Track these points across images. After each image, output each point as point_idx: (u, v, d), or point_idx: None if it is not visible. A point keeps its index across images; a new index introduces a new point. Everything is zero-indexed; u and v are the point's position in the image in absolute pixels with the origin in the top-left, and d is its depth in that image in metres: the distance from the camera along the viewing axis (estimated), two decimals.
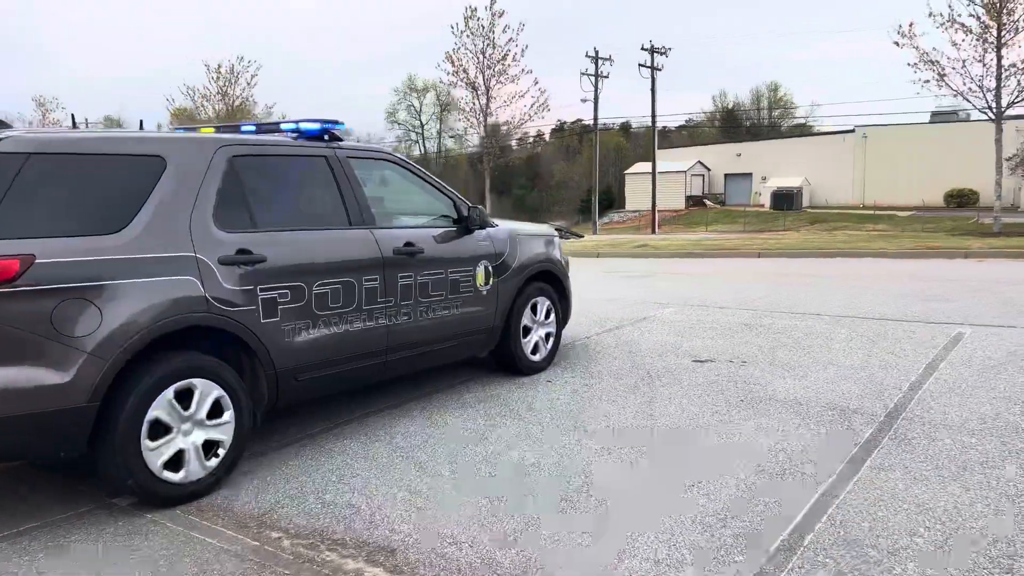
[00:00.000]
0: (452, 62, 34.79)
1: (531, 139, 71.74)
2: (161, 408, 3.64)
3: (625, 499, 3.72)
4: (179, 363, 3.74)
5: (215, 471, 3.90)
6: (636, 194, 58.27)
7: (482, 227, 5.52)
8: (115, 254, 3.52)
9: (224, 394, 3.91)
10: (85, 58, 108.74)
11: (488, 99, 34.72)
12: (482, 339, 5.65)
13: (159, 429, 3.66)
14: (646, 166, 51.21)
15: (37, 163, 3.44)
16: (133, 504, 3.75)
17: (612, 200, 65.35)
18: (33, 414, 3.27)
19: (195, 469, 3.80)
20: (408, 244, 4.93)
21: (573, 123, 79.24)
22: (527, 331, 6.07)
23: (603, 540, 3.31)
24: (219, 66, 43.40)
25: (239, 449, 4.02)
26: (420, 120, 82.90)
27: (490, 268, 5.59)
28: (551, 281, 6.33)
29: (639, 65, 44.44)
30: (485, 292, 5.55)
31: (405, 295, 4.90)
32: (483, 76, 34.63)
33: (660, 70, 44.50)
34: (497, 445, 4.51)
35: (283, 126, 4.81)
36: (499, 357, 6.02)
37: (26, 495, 3.97)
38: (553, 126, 79.21)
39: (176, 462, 3.74)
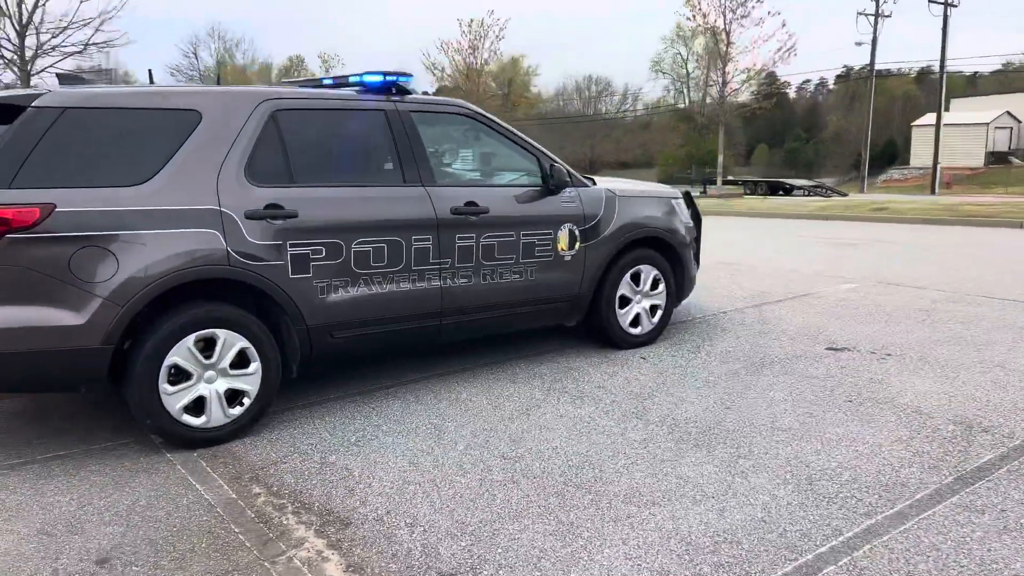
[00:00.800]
0: (693, 5, 33.11)
1: (811, 86, 66.20)
2: (180, 355, 3.79)
3: (606, 506, 3.27)
4: (201, 313, 3.85)
5: (239, 419, 4.01)
6: (924, 148, 51.52)
7: (564, 187, 5.09)
8: (134, 205, 3.68)
9: (250, 345, 3.99)
10: (365, 24, 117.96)
11: (728, 44, 32.67)
12: (564, 308, 5.28)
13: (179, 375, 3.83)
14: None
15: (72, 117, 3.66)
16: (163, 443, 3.98)
17: (895, 155, 58.64)
18: (50, 351, 3.54)
19: (217, 416, 3.93)
20: (470, 204, 4.68)
21: (860, 69, 71.64)
22: (625, 302, 5.58)
23: (556, 552, 2.93)
24: (471, 21, 45.12)
25: (266, 400, 4.10)
26: (686, 69, 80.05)
27: (576, 232, 5.17)
28: (662, 249, 5.74)
29: (928, 1, 39.05)
30: (569, 257, 5.16)
31: (464, 257, 4.68)
32: (724, 19, 32.59)
33: (955, 6, 38.73)
34: (533, 425, 4.20)
35: (351, 79, 4.73)
36: (590, 328, 5.61)
37: (82, 424, 4.36)
38: (839, 71, 72.02)
39: (198, 408, 3.89)
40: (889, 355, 5.41)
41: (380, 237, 4.36)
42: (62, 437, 4.11)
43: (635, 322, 5.66)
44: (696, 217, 6.65)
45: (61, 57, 30.30)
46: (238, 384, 3.99)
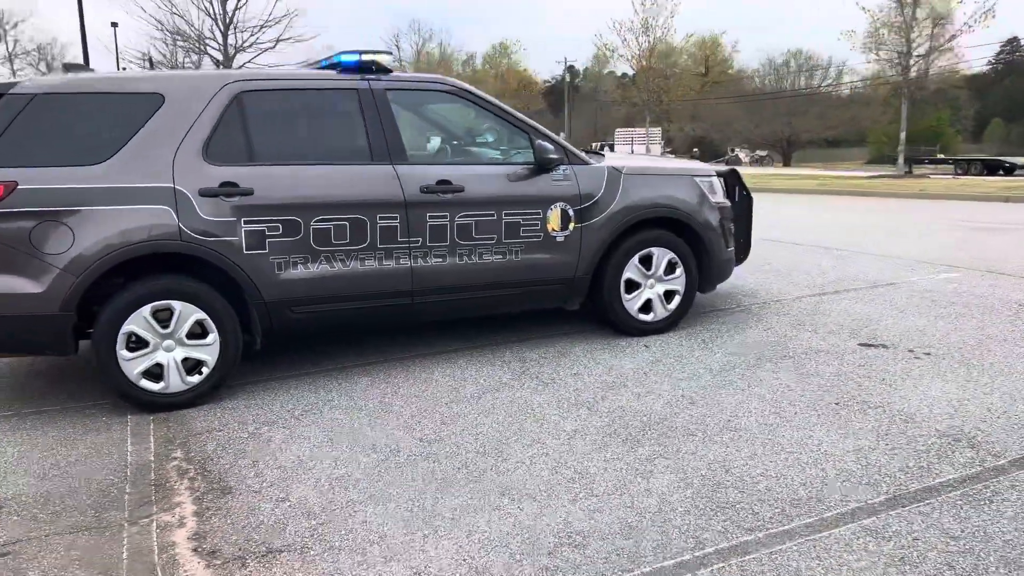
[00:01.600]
0: None
1: None
2: (136, 324, 4.04)
3: (481, 495, 3.11)
4: (157, 286, 4.08)
5: (197, 387, 4.21)
6: None
7: (549, 164, 4.85)
8: (91, 183, 3.94)
9: (207, 317, 4.17)
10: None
11: (915, 10, 29.71)
12: (559, 290, 5.06)
13: (138, 343, 4.08)
14: None
15: (41, 103, 3.98)
16: (127, 407, 4.25)
17: None
18: (13, 316, 3.89)
19: (175, 382, 4.16)
20: (443, 182, 4.60)
21: None
22: (633, 286, 5.26)
23: (394, 539, 2.84)
24: None
25: (224, 370, 4.27)
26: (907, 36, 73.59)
27: (570, 211, 4.94)
28: (680, 230, 5.35)
29: None
30: (562, 238, 4.94)
31: (437, 236, 4.61)
32: None
33: None
34: (475, 409, 4.08)
35: (335, 59, 4.79)
36: (596, 312, 5.35)
37: (71, 386, 4.74)
38: None
39: (157, 374, 4.13)
40: (928, 354, 4.72)
41: (341, 215, 4.39)
42: (47, 396, 4.51)
43: (646, 308, 5.33)
44: (746, 198, 6.16)
45: (257, 53, 33.12)
46: (196, 354, 4.19)
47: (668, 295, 5.39)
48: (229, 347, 4.25)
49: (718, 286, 5.96)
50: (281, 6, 61.64)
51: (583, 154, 5.18)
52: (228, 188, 4.16)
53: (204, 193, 4.11)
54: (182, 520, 3.01)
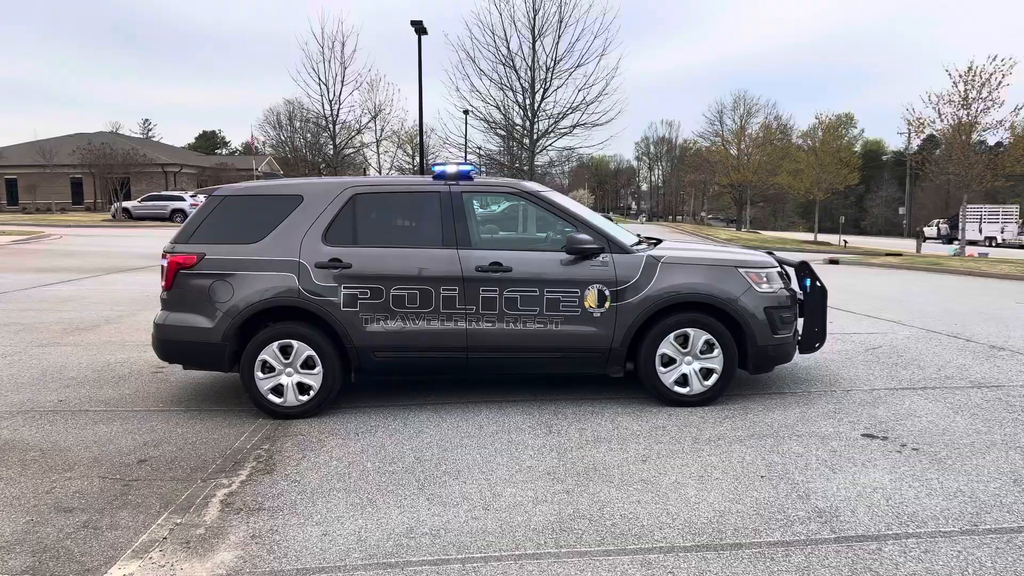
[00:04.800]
0: None
1: None
2: (268, 354, 5.82)
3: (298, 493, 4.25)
4: (282, 328, 5.84)
5: (305, 404, 5.86)
6: None
7: (580, 254, 5.86)
8: (247, 255, 5.84)
9: (314, 353, 5.83)
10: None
11: None
12: (595, 358, 5.98)
13: (267, 368, 5.85)
14: None
15: (228, 201, 6.01)
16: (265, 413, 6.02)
17: None
18: (196, 342, 5.87)
19: (291, 399, 5.85)
20: (495, 264, 5.84)
21: None
22: (669, 361, 5.98)
23: None
24: (969, 68, 38.72)
25: (326, 393, 5.86)
26: None
27: (607, 292, 5.87)
28: (719, 315, 5.97)
29: None
30: (598, 314, 5.88)
31: (488, 305, 5.85)
32: None
33: None
34: (458, 446, 5.20)
35: (432, 168, 6.29)
36: (639, 381, 6.13)
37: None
38: None
39: (280, 391, 5.86)
40: (916, 449, 4.84)
41: (414, 285, 5.84)
42: (213, 399, 6.46)
43: (683, 381, 6.00)
44: (820, 289, 6.49)
45: (556, 138, 36.35)
46: (306, 379, 5.86)
47: (706, 372, 6.01)
48: (329, 377, 5.85)
49: (779, 367, 6.34)
50: (584, 94, 65.91)
51: (628, 243, 6.08)
52: (335, 262, 5.82)
53: (318, 265, 5.81)
54: (231, 484, 4.58)
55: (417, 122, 34.05)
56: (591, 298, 5.91)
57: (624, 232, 6.69)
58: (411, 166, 63.42)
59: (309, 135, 47.17)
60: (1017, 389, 6.48)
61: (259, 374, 5.84)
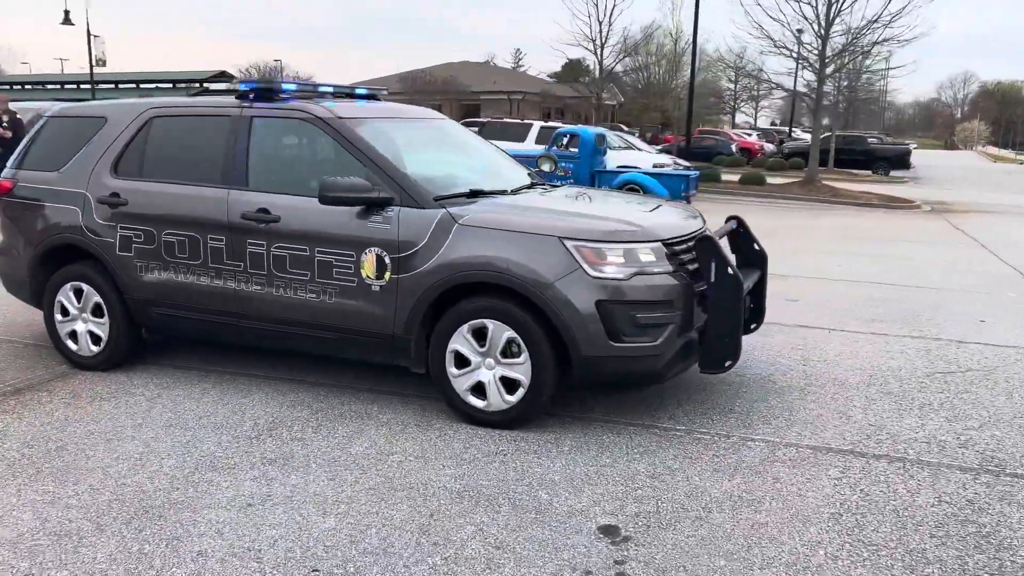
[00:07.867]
0: None
1: None
2: (63, 296, 5.24)
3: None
4: (72, 269, 5.22)
5: (96, 356, 5.21)
6: None
7: (336, 203, 4.36)
8: (46, 184, 5.28)
9: (101, 300, 5.14)
10: None
11: None
12: (376, 344, 4.49)
13: (65, 311, 5.28)
14: None
15: (50, 123, 5.51)
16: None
17: None
18: (9, 273, 5.53)
19: (84, 348, 5.25)
20: (261, 210, 4.60)
21: None
22: (463, 362, 4.29)
23: None
24: None
25: (113, 347, 5.16)
26: None
27: (386, 259, 4.34)
28: (527, 305, 4.12)
29: None
30: (377, 288, 4.39)
31: (256, 263, 4.67)
32: None
33: None
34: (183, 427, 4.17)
35: (242, 85, 5.09)
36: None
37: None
38: None
39: (75, 337, 5.29)
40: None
41: (182, 231, 4.84)
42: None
43: (479, 391, 4.29)
44: (731, 281, 4.27)
45: (850, 59, 31.23)
46: (96, 329, 5.18)
47: (511, 384, 4.22)
48: (112, 330, 5.14)
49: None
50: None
51: (437, 192, 4.46)
52: (114, 198, 5.01)
53: (99, 200, 5.06)
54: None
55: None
56: (368, 266, 4.41)
57: (501, 173, 5.05)
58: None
59: None
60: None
61: (58, 316, 5.33)
